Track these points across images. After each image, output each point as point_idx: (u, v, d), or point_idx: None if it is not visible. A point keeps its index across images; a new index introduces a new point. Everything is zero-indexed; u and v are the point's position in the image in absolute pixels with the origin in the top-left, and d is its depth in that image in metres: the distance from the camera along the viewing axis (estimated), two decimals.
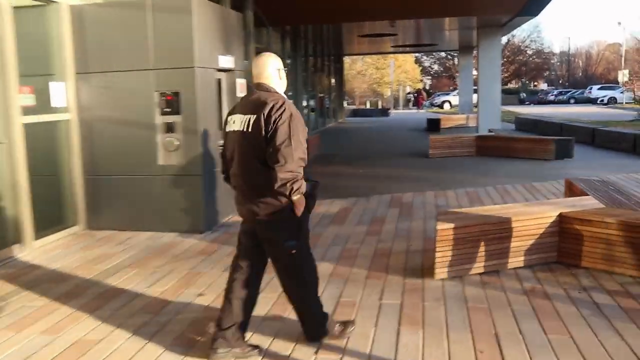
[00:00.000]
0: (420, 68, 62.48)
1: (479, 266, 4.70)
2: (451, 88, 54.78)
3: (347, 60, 42.05)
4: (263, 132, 3.06)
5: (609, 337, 3.50)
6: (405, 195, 8.26)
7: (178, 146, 6.25)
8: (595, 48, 79.58)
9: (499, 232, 4.75)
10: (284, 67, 3.41)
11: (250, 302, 3.42)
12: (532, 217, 4.91)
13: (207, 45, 6.43)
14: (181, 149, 6.25)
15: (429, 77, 68.25)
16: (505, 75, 61.74)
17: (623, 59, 55.59)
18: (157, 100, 6.22)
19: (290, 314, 3.87)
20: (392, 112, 38.90)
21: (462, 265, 4.65)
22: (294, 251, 3.21)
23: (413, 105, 47.13)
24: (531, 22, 62.99)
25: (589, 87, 52.41)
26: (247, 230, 3.38)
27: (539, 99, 53.93)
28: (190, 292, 4.45)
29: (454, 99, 40.78)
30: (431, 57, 64.35)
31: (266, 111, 3.07)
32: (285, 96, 3.28)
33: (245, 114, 3.17)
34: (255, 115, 3.10)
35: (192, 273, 4.93)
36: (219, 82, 6.99)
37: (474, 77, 26.01)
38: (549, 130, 17.30)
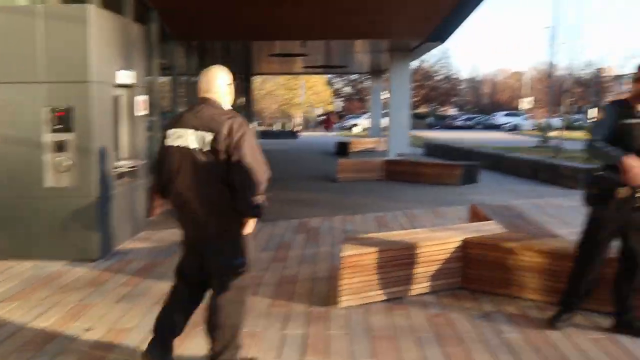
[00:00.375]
0: (332, 90, 63.75)
1: (385, 293, 4.80)
2: (362, 111, 56.18)
3: (257, 79, 42.16)
4: (224, 153, 3.11)
5: None
6: (312, 220, 8.34)
7: (69, 166, 5.98)
8: (501, 75, 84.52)
9: (404, 258, 4.88)
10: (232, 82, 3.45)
11: (178, 331, 3.45)
12: (437, 242, 5.09)
13: (104, 59, 6.24)
14: (73, 169, 5.99)
15: (341, 99, 69.72)
16: (416, 99, 64.17)
17: (527, 86, 59.44)
18: (46, 116, 5.94)
19: (185, 349, 3.78)
20: (302, 134, 39.32)
21: (368, 292, 4.73)
22: (243, 269, 3.28)
23: (323, 128, 47.86)
24: (440, 47, 66.06)
25: (494, 114, 55.54)
26: (192, 250, 3.40)
27: (448, 124, 56.43)
28: (78, 326, 4.23)
29: (365, 121, 41.85)
30: (343, 79, 65.86)
31: (225, 130, 3.11)
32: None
33: (197, 129, 3.16)
34: (212, 133, 3.11)
35: (80, 305, 4.70)
36: (117, 98, 6.79)
37: (385, 100, 26.85)
38: (456, 156, 18.10)
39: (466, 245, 5.16)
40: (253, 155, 3.13)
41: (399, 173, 13.52)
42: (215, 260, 3.30)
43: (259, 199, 3.13)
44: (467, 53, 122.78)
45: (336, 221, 8.33)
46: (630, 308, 4.19)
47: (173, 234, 7.24)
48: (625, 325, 4.17)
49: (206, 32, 13.45)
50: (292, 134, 36.43)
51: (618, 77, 52.08)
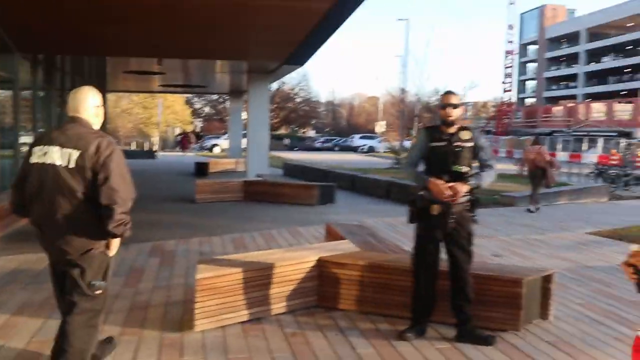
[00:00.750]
0: (191, 110, 62.75)
1: (241, 315, 4.75)
2: (223, 131, 55.86)
3: (111, 97, 40.41)
4: (90, 170, 3.13)
5: None
6: (167, 243, 8.07)
7: None
8: (357, 100, 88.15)
9: (260, 278, 4.87)
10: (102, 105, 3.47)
11: None
12: (293, 262, 5.14)
13: None
14: None
15: (200, 119, 68.81)
16: (276, 121, 64.98)
17: (381, 111, 62.45)
18: None
19: None
20: (160, 154, 38.19)
21: (224, 315, 4.65)
22: (100, 291, 3.30)
23: (179, 148, 46.82)
24: (300, 71, 67.73)
25: (351, 136, 57.72)
26: (58, 270, 3.37)
27: (307, 146, 57.67)
28: None
29: (225, 142, 41.57)
30: (203, 99, 65.12)
31: (92, 148, 3.15)
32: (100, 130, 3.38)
33: (63, 147, 3.17)
34: (79, 151, 3.14)
35: None
36: None
37: (245, 121, 26.90)
38: (315, 176, 18.53)
39: (321, 264, 5.25)
40: (120, 174, 3.17)
41: (258, 194, 13.55)
42: (75, 281, 3.24)
43: (125, 218, 3.16)
44: (326, 77, 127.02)
45: (193, 243, 8.14)
46: (468, 318, 4.48)
47: (9, 261, 6.67)
48: (466, 334, 4.45)
49: (53, 46, 12.68)
50: (150, 154, 35.25)
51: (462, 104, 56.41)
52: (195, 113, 66.02)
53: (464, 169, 4.32)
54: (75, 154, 3.13)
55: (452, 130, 4.38)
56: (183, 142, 45.40)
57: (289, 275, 5.06)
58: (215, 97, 59.97)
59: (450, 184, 4.21)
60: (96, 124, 3.38)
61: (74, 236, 3.16)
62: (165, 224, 9.85)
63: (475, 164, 4.43)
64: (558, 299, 5.42)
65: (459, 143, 4.34)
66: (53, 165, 3.15)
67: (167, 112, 50.82)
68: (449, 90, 4.51)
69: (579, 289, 6.08)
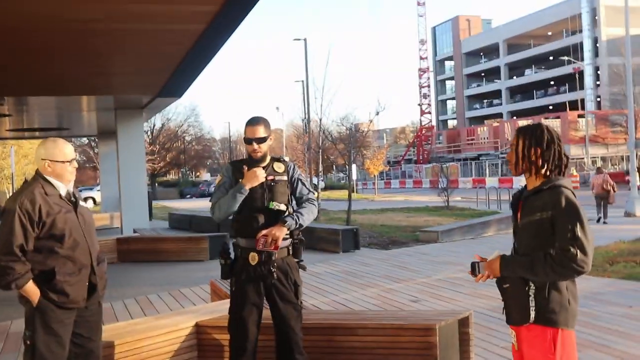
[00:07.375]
0: None
1: None
2: (98, 181, 54.33)
3: None
4: None
5: None
6: (13, 323, 7.55)
7: None
8: None
9: (121, 356, 4.64)
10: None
11: None
12: (163, 331, 4.95)
13: None
14: None
15: None
16: (161, 164, 64.02)
17: (284, 145, 62.95)
18: None
19: None
20: None
21: None
22: (28, 342, 3.67)
23: None
24: (188, 105, 67.47)
25: None
26: None
27: (201, 191, 56.95)
28: None
29: (100, 194, 40.35)
30: (71, 144, 63.24)
31: None
32: (39, 184, 3.86)
33: None
34: None
35: None
36: None
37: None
38: (205, 227, 18.20)
39: (199, 330, 5.09)
40: None
41: (136, 252, 13.12)
42: None
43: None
44: (220, 110, 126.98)
45: None
46: None
47: None
48: None
49: None
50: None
51: (375, 132, 57.84)
52: None
53: (282, 206, 4.24)
54: None
55: (263, 162, 4.32)
56: None
57: (158, 347, 4.86)
58: (85, 140, 58.37)
59: (265, 232, 4.09)
60: (55, 176, 4.06)
61: None
62: (7, 299, 9.26)
63: (294, 200, 4.38)
64: (480, 343, 5.50)
65: (272, 177, 4.28)
66: None
67: (24, 162, 48.78)
68: (254, 118, 4.34)
69: (503, 329, 6.19)
